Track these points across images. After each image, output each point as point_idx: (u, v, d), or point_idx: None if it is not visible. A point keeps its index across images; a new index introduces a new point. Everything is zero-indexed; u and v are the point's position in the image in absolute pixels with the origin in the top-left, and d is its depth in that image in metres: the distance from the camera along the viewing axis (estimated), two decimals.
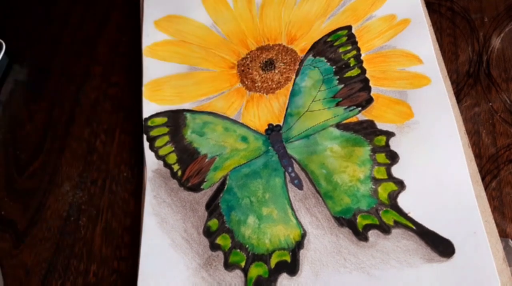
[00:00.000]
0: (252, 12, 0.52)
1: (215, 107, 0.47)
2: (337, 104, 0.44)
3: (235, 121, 0.45)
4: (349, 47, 0.47)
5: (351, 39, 0.48)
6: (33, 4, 0.59)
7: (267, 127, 0.45)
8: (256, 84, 0.48)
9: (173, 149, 0.45)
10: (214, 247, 0.40)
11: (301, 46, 0.49)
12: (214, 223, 0.41)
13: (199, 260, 0.39)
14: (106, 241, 0.43)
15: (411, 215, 0.38)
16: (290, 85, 0.47)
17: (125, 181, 0.46)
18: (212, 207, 0.42)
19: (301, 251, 0.38)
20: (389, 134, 0.42)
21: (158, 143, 0.45)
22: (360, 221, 0.39)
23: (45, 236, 0.44)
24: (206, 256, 0.40)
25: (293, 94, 0.46)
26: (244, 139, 0.44)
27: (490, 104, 0.45)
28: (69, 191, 0.47)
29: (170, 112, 0.47)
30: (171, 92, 0.48)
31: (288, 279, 0.38)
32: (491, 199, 0.40)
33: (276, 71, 0.48)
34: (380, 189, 0.40)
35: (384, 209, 0.39)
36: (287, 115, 0.45)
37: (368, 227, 0.38)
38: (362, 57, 0.46)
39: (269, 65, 0.48)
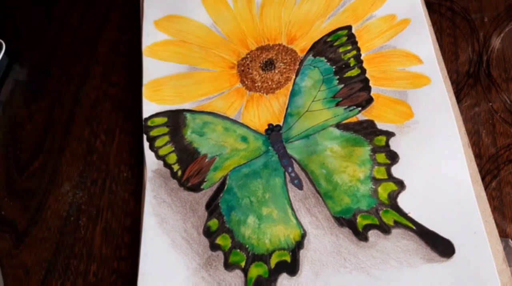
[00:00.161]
0: (252, 12, 0.52)
1: (215, 107, 0.47)
2: (337, 104, 0.44)
3: (235, 121, 0.45)
4: (349, 47, 0.47)
5: (351, 39, 0.48)
6: (33, 4, 0.59)
7: (267, 127, 0.45)
8: (256, 84, 0.48)
9: (173, 148, 0.45)
10: (214, 247, 0.40)
11: (301, 46, 0.49)
12: (214, 223, 0.41)
13: (199, 260, 0.39)
14: (106, 241, 0.43)
15: (411, 215, 0.38)
16: (290, 85, 0.47)
17: (125, 181, 0.46)
18: (212, 207, 0.42)
19: (301, 251, 0.38)
20: (389, 134, 0.42)
21: (158, 143, 0.45)
22: (360, 221, 0.39)
23: (45, 236, 0.44)
24: (206, 256, 0.40)
25: (293, 94, 0.46)
26: (244, 139, 0.44)
27: (490, 104, 0.45)
28: (69, 191, 0.47)
29: (170, 112, 0.47)
30: (171, 92, 0.48)
31: (288, 279, 0.38)
32: (491, 199, 0.40)
33: (276, 71, 0.48)
34: (380, 189, 0.40)
35: (384, 209, 0.39)
36: (287, 115, 0.45)
37: (368, 227, 0.38)
38: (362, 57, 0.46)
39: (269, 65, 0.48)
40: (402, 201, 0.39)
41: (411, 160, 0.40)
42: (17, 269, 0.43)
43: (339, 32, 0.48)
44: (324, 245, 0.38)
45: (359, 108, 0.44)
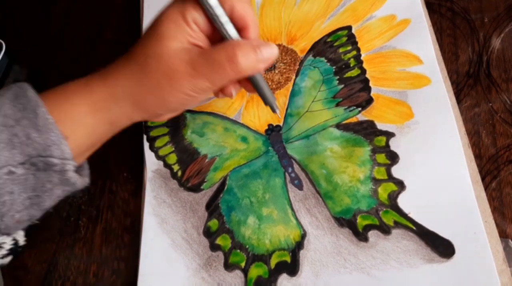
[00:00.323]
0: None
1: (215, 107, 0.47)
2: (337, 105, 0.44)
3: (235, 122, 0.45)
4: (349, 48, 0.47)
5: (351, 40, 0.48)
6: (33, 4, 0.59)
7: (267, 127, 0.45)
8: None
9: (173, 149, 0.45)
10: (214, 247, 0.40)
11: (301, 46, 0.49)
12: (214, 224, 0.41)
13: (199, 260, 0.39)
14: (106, 241, 0.43)
15: (411, 215, 0.38)
16: (290, 85, 0.47)
17: (125, 181, 0.46)
18: (212, 207, 0.42)
19: (301, 252, 0.38)
20: (389, 135, 0.42)
21: (158, 143, 0.45)
22: (360, 222, 0.39)
23: (45, 236, 0.44)
24: (206, 257, 0.40)
25: (293, 94, 0.46)
26: (244, 139, 0.44)
27: (490, 104, 0.45)
28: None
29: None
30: None
31: (288, 279, 0.38)
32: (491, 199, 0.40)
33: (276, 71, 0.48)
34: (380, 189, 0.40)
35: (384, 209, 0.39)
36: (287, 116, 0.45)
37: (368, 228, 0.38)
38: (362, 58, 0.46)
39: None
40: (402, 201, 0.39)
41: (411, 160, 0.40)
42: (17, 269, 0.43)
43: (339, 33, 0.48)
44: (324, 246, 0.38)
45: (359, 109, 0.44)
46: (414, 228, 0.38)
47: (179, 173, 0.44)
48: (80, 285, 0.42)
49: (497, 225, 0.38)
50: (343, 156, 0.42)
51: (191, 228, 0.41)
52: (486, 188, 0.40)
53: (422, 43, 0.46)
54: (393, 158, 0.41)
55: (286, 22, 0.50)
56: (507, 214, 0.40)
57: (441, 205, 0.38)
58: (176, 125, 0.46)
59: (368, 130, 0.42)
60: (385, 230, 0.38)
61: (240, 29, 0.35)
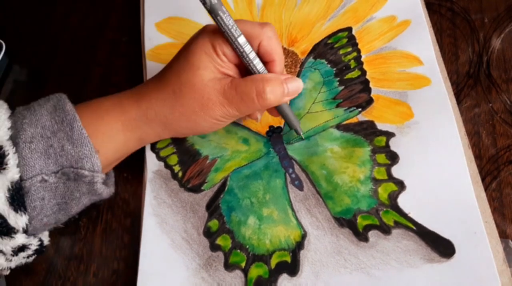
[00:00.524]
0: (252, 13, 0.52)
1: None
2: (338, 106, 0.44)
3: (236, 124, 0.45)
4: (350, 49, 0.47)
5: (352, 41, 0.48)
6: (33, 4, 0.59)
7: (268, 129, 0.45)
8: None
9: (175, 150, 0.45)
10: (214, 247, 0.40)
11: (302, 48, 0.49)
12: (214, 224, 0.41)
13: (199, 260, 0.39)
14: (106, 241, 0.43)
15: (411, 215, 0.38)
16: None
17: (125, 181, 0.46)
18: (212, 207, 0.42)
19: (302, 252, 0.39)
20: (389, 135, 0.42)
21: (159, 145, 0.45)
22: (360, 222, 0.39)
23: None
24: (206, 257, 0.40)
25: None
26: (245, 141, 0.44)
27: (490, 105, 0.45)
28: None
29: None
30: None
31: (289, 279, 0.38)
32: (491, 200, 0.40)
33: None
34: (380, 190, 0.40)
35: (384, 209, 0.39)
36: None
37: (368, 228, 0.38)
38: (362, 59, 0.47)
39: None
40: (402, 201, 0.39)
41: (411, 161, 0.40)
42: (17, 269, 0.43)
43: (340, 34, 0.49)
44: (325, 246, 0.38)
45: (359, 109, 0.44)
46: (414, 228, 0.38)
47: (180, 174, 0.44)
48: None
49: (497, 226, 0.38)
50: (343, 157, 0.42)
51: (191, 228, 0.41)
52: (486, 188, 0.40)
53: (422, 44, 0.46)
54: (393, 158, 0.41)
55: (287, 24, 0.51)
56: (507, 214, 0.40)
57: (441, 205, 0.38)
58: None
59: (368, 131, 0.42)
60: (385, 230, 0.38)
61: (266, 63, 0.38)
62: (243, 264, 0.39)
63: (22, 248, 0.36)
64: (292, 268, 0.38)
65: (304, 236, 0.39)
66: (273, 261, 0.39)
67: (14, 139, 0.35)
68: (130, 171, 0.46)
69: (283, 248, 0.39)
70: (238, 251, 0.40)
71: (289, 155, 0.43)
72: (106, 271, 0.42)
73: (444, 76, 0.44)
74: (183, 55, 0.38)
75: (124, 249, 0.42)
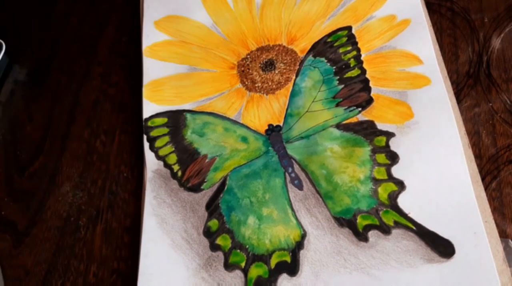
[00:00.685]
0: (252, 12, 0.52)
1: (215, 107, 0.47)
2: (337, 105, 0.44)
3: (235, 122, 0.45)
4: (349, 48, 0.47)
5: (351, 40, 0.48)
6: (33, 4, 0.59)
7: (267, 127, 0.45)
8: (256, 85, 0.48)
9: (173, 149, 0.45)
10: (214, 247, 0.40)
11: (301, 46, 0.49)
12: (214, 224, 0.41)
13: (199, 260, 0.39)
14: (106, 241, 0.43)
15: (411, 215, 0.38)
16: (290, 85, 0.47)
17: (125, 181, 0.46)
18: (212, 207, 0.42)
19: (301, 252, 0.38)
20: (389, 135, 0.42)
21: (158, 143, 0.45)
22: (360, 222, 0.39)
23: (45, 236, 0.44)
24: (206, 257, 0.40)
25: (293, 94, 0.46)
26: (244, 139, 0.44)
27: (490, 104, 0.45)
28: (69, 191, 0.47)
29: (170, 112, 0.47)
30: (171, 93, 0.48)
31: (288, 279, 0.38)
32: (491, 199, 0.40)
33: (276, 71, 0.48)
34: (380, 190, 0.40)
35: (384, 209, 0.39)
36: (287, 116, 0.45)
37: (368, 228, 0.38)
38: (362, 58, 0.46)
39: (269, 65, 0.48)
40: (402, 201, 0.39)
41: (411, 160, 0.40)
42: (17, 269, 0.43)
43: (339, 33, 0.48)
44: (324, 246, 0.38)
45: (359, 109, 0.44)
46: (414, 228, 0.38)
47: (179, 173, 0.44)
48: None
49: (497, 225, 0.38)
50: (343, 156, 0.42)
51: (191, 228, 0.41)
52: (486, 188, 0.40)
53: (422, 43, 0.46)
54: (393, 158, 0.41)
55: (286, 23, 0.51)
56: (507, 214, 0.40)
57: (441, 205, 0.38)
58: (176, 126, 0.46)
59: (368, 131, 0.42)
60: (385, 230, 0.38)
61: None
62: (243, 264, 0.39)
63: None
64: (292, 268, 0.38)
65: (303, 236, 0.39)
66: (273, 261, 0.39)
67: None
68: (130, 170, 0.46)
69: (283, 248, 0.39)
70: (238, 251, 0.39)
71: (289, 154, 0.43)
72: (106, 271, 0.42)
73: (444, 76, 0.44)
74: None
75: (124, 249, 0.43)
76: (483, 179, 0.40)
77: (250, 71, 0.48)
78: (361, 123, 0.43)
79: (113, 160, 0.47)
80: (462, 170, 0.39)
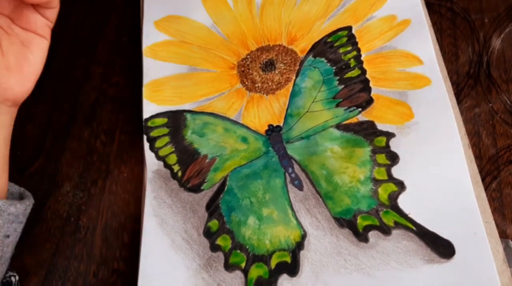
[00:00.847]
0: (252, 12, 0.52)
1: (215, 108, 0.47)
2: (337, 105, 0.44)
3: (235, 122, 0.45)
4: (350, 48, 0.47)
5: (352, 40, 0.48)
6: None
7: (267, 128, 0.45)
8: (256, 85, 0.47)
9: (173, 149, 0.45)
10: (214, 248, 0.40)
11: (301, 46, 0.49)
12: (214, 224, 0.41)
13: (199, 261, 0.39)
14: (106, 241, 0.43)
15: (411, 215, 0.38)
16: (290, 86, 0.47)
17: (125, 181, 0.46)
18: (212, 207, 0.42)
19: (301, 252, 0.38)
20: (389, 135, 0.42)
21: (158, 144, 0.45)
22: (360, 222, 0.39)
23: (45, 237, 0.44)
24: (206, 257, 0.40)
25: (293, 95, 0.46)
26: (244, 140, 0.44)
27: (490, 105, 0.45)
28: (69, 191, 0.47)
29: (170, 113, 0.47)
30: (171, 93, 0.48)
31: (289, 279, 0.38)
32: (491, 200, 0.40)
33: (276, 71, 0.48)
34: (380, 190, 0.40)
35: (384, 209, 0.39)
36: (287, 116, 0.45)
37: (368, 228, 0.38)
38: (362, 58, 0.46)
39: (269, 65, 0.48)
40: (402, 201, 0.39)
41: (411, 161, 0.40)
42: (17, 269, 0.43)
43: (340, 33, 0.48)
44: (325, 246, 0.38)
45: (359, 109, 0.44)
46: (414, 228, 0.38)
47: (179, 174, 0.44)
48: None
49: (497, 226, 0.38)
50: (343, 157, 0.42)
51: (191, 228, 0.41)
52: (486, 188, 0.40)
53: (422, 43, 0.46)
54: (393, 158, 0.41)
55: (286, 23, 0.50)
56: (507, 214, 0.40)
57: (441, 205, 0.38)
58: (176, 126, 0.46)
59: (368, 131, 0.42)
60: (385, 230, 0.38)
61: None
62: (243, 265, 0.39)
63: None
64: (292, 268, 0.38)
65: (304, 236, 0.39)
66: (273, 262, 0.39)
67: None
68: (130, 170, 0.46)
69: (283, 248, 0.39)
70: (238, 251, 0.39)
71: (289, 154, 0.43)
72: (106, 271, 0.42)
73: (444, 76, 0.44)
74: None
75: (124, 249, 0.43)
76: (483, 180, 0.40)
77: (250, 71, 0.48)
78: (361, 123, 0.43)
79: (113, 160, 0.47)
80: (462, 170, 0.39)
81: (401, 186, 0.39)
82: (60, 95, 0.53)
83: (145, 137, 0.46)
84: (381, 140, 0.42)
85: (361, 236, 0.38)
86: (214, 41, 0.51)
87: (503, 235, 0.39)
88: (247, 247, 0.40)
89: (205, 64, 0.50)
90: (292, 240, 0.39)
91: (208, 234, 0.40)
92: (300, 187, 0.41)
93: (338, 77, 0.46)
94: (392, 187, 0.40)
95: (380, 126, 0.43)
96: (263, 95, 0.47)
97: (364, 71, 0.46)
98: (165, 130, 0.46)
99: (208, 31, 0.52)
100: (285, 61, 0.48)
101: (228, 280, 0.38)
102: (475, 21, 0.49)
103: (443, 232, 0.37)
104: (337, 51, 0.47)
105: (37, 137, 0.50)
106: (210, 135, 0.45)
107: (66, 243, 0.44)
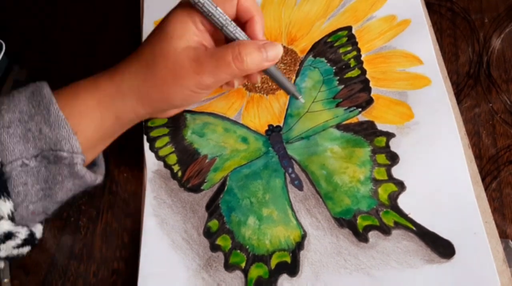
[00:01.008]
0: None
1: (216, 108, 0.47)
2: (337, 105, 0.44)
3: (235, 122, 0.45)
4: (349, 48, 0.47)
5: (351, 40, 0.48)
6: (33, 4, 0.59)
7: (267, 128, 0.45)
8: (256, 85, 0.47)
9: (173, 149, 0.45)
10: (214, 248, 0.40)
11: (301, 46, 0.49)
12: (214, 224, 0.41)
13: (199, 261, 0.39)
14: (106, 241, 0.43)
15: (411, 215, 0.38)
16: None
17: (125, 181, 0.46)
18: (212, 207, 0.42)
19: (301, 252, 0.38)
20: (389, 135, 0.42)
21: (158, 144, 0.45)
22: (360, 222, 0.39)
23: (45, 237, 0.44)
24: (206, 257, 0.40)
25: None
26: (244, 140, 0.44)
27: (490, 105, 0.45)
28: None
29: None
30: None
31: (288, 280, 0.38)
32: (491, 200, 0.40)
33: None
34: (380, 190, 0.40)
35: (384, 210, 0.39)
36: (287, 116, 0.45)
37: (368, 228, 0.38)
38: (362, 58, 0.47)
39: None
40: (402, 202, 0.39)
41: (411, 161, 0.40)
42: (17, 269, 0.43)
43: (340, 33, 0.48)
44: (325, 246, 0.38)
45: (359, 109, 0.44)
46: (414, 228, 0.38)
47: (179, 174, 0.44)
48: None
49: (497, 226, 0.38)
50: (343, 157, 0.42)
51: (191, 228, 0.41)
52: (486, 188, 0.40)
53: (422, 43, 0.46)
54: (393, 158, 0.41)
55: (286, 23, 0.50)
56: (507, 214, 0.40)
57: (441, 205, 0.38)
58: (176, 126, 0.46)
59: (368, 131, 0.42)
60: (385, 230, 0.38)
61: (246, 23, 0.37)
62: (243, 265, 0.39)
63: (9, 235, 0.36)
64: (292, 268, 0.38)
65: (304, 236, 0.39)
66: (273, 262, 0.39)
67: None
68: (130, 170, 0.46)
69: (283, 248, 0.39)
70: (238, 251, 0.40)
71: (289, 154, 0.43)
72: (106, 271, 0.42)
73: (444, 76, 0.44)
74: (159, 25, 0.38)
75: (124, 249, 0.43)
76: (483, 180, 0.40)
77: None
78: (361, 123, 0.43)
79: (113, 160, 0.47)
80: (462, 170, 0.39)
81: (401, 186, 0.40)
82: None
83: (145, 137, 0.46)
84: (381, 141, 0.42)
85: (361, 236, 0.38)
86: None
87: (503, 235, 0.39)
88: (247, 247, 0.40)
89: None
90: (292, 240, 0.39)
91: (208, 234, 0.40)
92: (300, 187, 0.41)
93: (338, 77, 0.46)
94: (392, 187, 0.40)
95: (380, 126, 0.43)
96: (263, 95, 0.47)
97: (364, 71, 0.46)
98: (165, 130, 0.46)
99: None
100: (285, 61, 0.48)
101: (228, 280, 0.38)
102: (475, 21, 0.49)
103: (443, 232, 0.37)
104: (337, 51, 0.47)
105: None
106: (210, 136, 0.45)
107: (66, 243, 0.44)
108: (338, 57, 0.47)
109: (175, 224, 0.41)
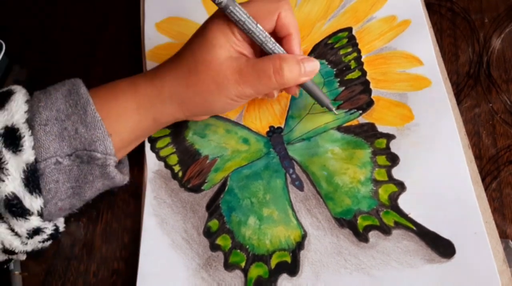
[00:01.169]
0: None
1: None
2: (338, 107, 0.44)
3: (236, 123, 0.45)
4: (350, 49, 0.47)
5: (352, 41, 0.48)
6: (33, 4, 0.59)
7: (268, 129, 0.45)
8: None
9: (175, 150, 0.45)
10: (214, 247, 0.40)
11: (302, 48, 0.48)
12: (214, 224, 0.41)
13: (199, 260, 0.40)
14: (106, 241, 0.43)
15: (411, 216, 0.38)
16: None
17: None
18: (212, 207, 0.42)
19: (302, 252, 0.39)
20: (389, 137, 0.42)
21: (159, 144, 0.45)
22: (361, 222, 0.39)
23: None
24: (206, 257, 0.40)
25: (294, 97, 0.46)
26: (246, 141, 0.44)
27: (491, 105, 0.45)
28: None
29: None
30: None
31: (289, 279, 0.38)
32: (491, 200, 0.40)
33: None
34: (380, 191, 0.40)
35: (385, 210, 0.39)
36: (288, 118, 0.45)
37: (368, 228, 0.38)
38: (362, 59, 0.47)
39: None
40: (403, 202, 0.39)
41: (412, 162, 0.40)
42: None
43: (340, 34, 0.48)
44: (325, 246, 0.38)
45: (360, 111, 0.44)
46: (414, 228, 0.38)
47: (180, 174, 0.44)
48: None
49: (497, 226, 0.38)
50: (344, 158, 0.42)
51: (191, 228, 0.41)
52: (486, 188, 0.40)
53: (422, 44, 0.46)
54: (394, 159, 0.41)
55: None
56: (508, 214, 0.40)
57: (441, 205, 0.38)
58: (177, 127, 0.46)
59: (368, 133, 0.42)
60: (385, 230, 0.38)
61: (283, 38, 0.39)
62: (243, 264, 0.39)
63: (37, 231, 0.37)
64: (292, 268, 0.38)
65: (304, 236, 0.39)
66: (273, 261, 0.39)
67: (30, 122, 0.35)
68: (130, 171, 0.46)
69: (283, 248, 0.39)
70: (238, 251, 0.40)
71: (290, 155, 0.43)
72: (106, 271, 0.42)
73: (444, 77, 0.44)
74: (200, 33, 0.38)
75: (124, 249, 0.42)
76: (483, 180, 0.40)
77: None
78: (361, 125, 0.43)
79: None
80: (463, 170, 0.39)
81: (401, 186, 0.40)
82: None
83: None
84: (382, 142, 0.42)
85: (361, 236, 0.38)
86: None
87: (503, 235, 0.39)
88: (247, 246, 0.40)
89: None
90: (292, 240, 0.39)
91: (208, 233, 0.41)
92: (300, 188, 0.41)
93: (338, 79, 0.46)
94: (392, 188, 0.40)
95: (381, 128, 0.43)
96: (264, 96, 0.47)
97: (364, 73, 0.46)
98: (166, 131, 0.46)
99: None
100: None
101: (227, 280, 0.38)
102: (475, 21, 0.49)
103: (443, 232, 0.37)
104: (338, 53, 0.47)
105: None
106: (211, 137, 0.45)
107: (66, 243, 0.43)
108: (339, 58, 0.47)
109: (175, 223, 0.41)
